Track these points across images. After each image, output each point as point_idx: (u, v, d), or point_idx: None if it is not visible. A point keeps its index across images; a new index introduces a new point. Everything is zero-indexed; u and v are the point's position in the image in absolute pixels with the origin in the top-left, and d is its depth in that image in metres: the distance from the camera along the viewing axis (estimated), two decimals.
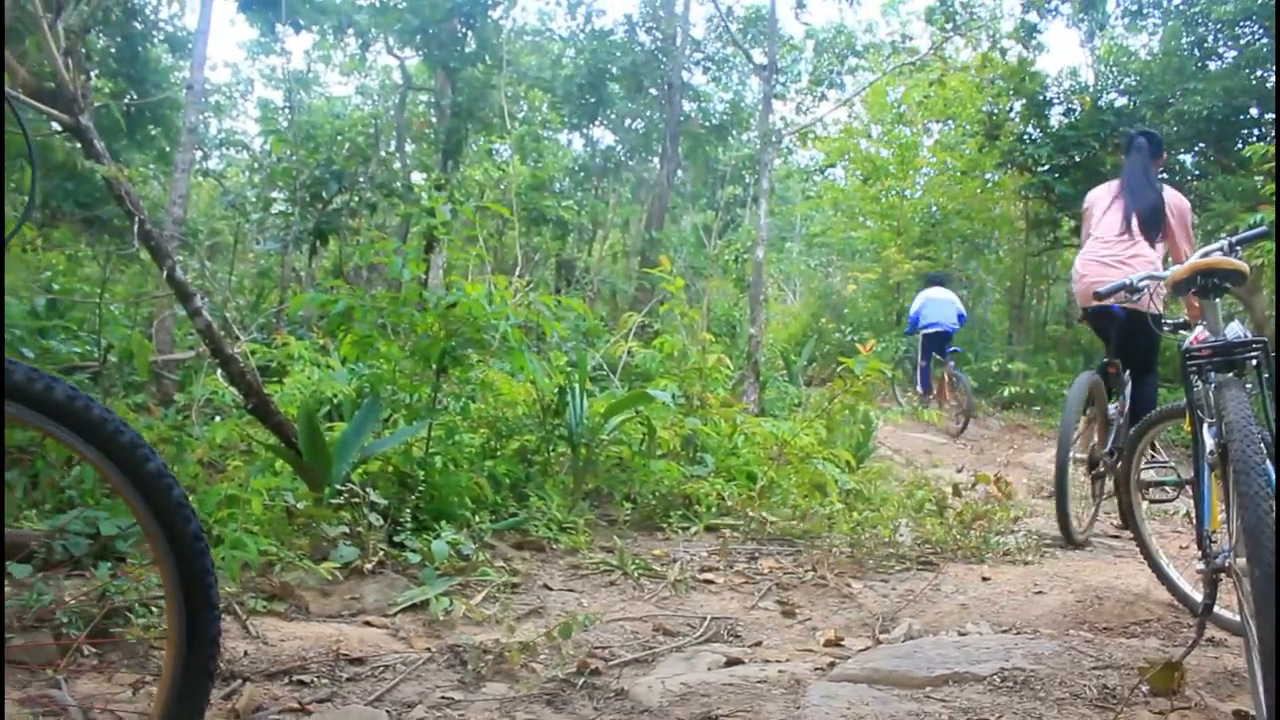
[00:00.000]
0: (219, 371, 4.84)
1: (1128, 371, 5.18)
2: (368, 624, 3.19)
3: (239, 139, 21.37)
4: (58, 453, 3.73)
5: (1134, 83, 16.64)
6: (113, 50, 13.56)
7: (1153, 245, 5.14)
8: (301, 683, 2.61)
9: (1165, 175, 16.22)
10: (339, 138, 14.13)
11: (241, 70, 29.90)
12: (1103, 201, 5.36)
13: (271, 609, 3.17)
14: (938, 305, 12.61)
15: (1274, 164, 10.70)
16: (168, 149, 14.94)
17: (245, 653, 2.77)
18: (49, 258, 9.18)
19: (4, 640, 1.38)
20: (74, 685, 2.40)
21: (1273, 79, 13.55)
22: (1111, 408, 5.16)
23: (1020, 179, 17.13)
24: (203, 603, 1.70)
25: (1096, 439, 5.23)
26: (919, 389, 12.71)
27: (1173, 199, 5.23)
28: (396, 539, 3.95)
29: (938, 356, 12.39)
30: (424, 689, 2.65)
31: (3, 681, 1.31)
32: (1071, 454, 5.04)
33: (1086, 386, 5.16)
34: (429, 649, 2.97)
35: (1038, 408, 13.91)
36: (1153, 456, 4.11)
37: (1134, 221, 5.16)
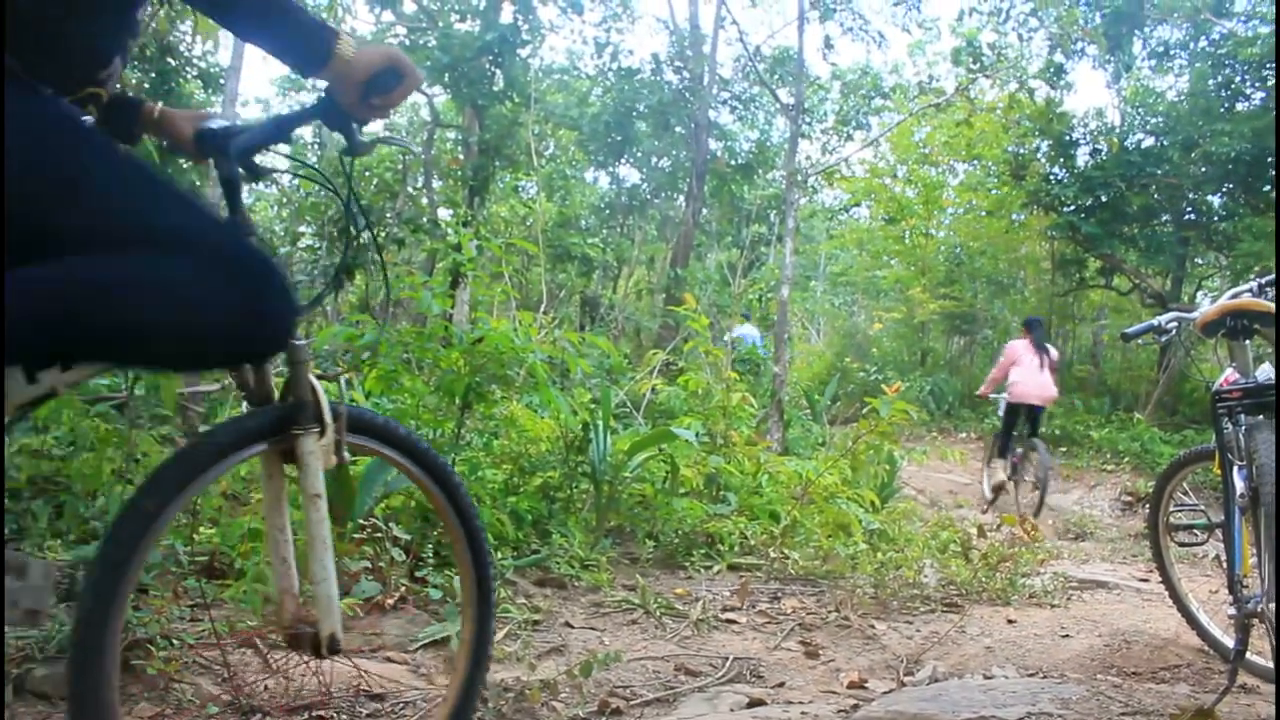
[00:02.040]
0: (244, 404, 4.86)
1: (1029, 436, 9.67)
2: (389, 660, 3.18)
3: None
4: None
5: (1161, 123, 16.64)
6: (147, 85, 13.76)
7: (1054, 374, 10.06)
8: (322, 718, 2.60)
9: (1193, 217, 16.32)
10: (367, 174, 14.27)
11: (272, 106, 30.27)
12: (1026, 352, 9.85)
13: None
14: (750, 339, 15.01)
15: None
16: (198, 183, 15.07)
17: (266, 687, 2.75)
18: None
19: (4, 639, 1.39)
20: None
21: None
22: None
23: (1046, 219, 17.10)
24: (487, 595, 2.06)
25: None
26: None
27: (1054, 354, 10.27)
28: (418, 574, 3.94)
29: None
30: None
31: (3, 687, 1.32)
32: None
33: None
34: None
35: (1063, 449, 13.77)
36: (1181, 500, 4.06)
37: (1045, 365, 9.78)
